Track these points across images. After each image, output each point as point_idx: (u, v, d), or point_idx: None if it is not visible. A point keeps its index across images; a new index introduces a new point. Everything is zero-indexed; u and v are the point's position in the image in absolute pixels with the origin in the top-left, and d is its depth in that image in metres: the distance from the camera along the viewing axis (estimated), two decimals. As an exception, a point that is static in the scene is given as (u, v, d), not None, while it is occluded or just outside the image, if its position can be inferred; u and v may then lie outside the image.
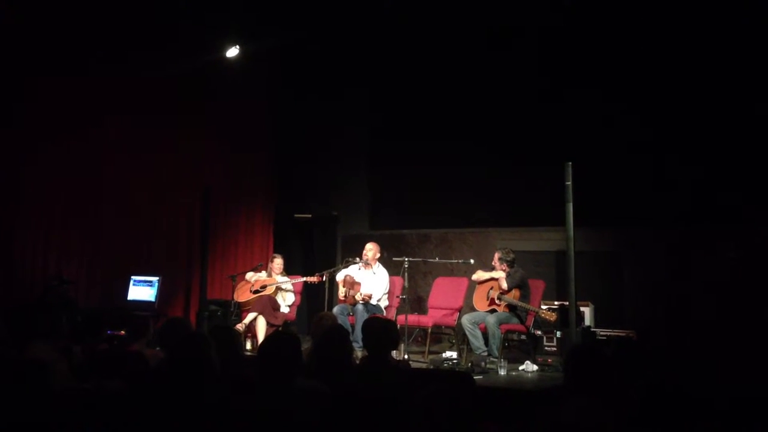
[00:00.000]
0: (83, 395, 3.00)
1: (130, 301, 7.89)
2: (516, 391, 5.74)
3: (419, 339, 8.05)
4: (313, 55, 9.46)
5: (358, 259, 7.87)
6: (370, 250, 7.86)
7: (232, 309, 8.03)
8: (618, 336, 7.05)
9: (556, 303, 7.48)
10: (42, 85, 7.31)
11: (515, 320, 7.13)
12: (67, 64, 7.44)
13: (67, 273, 7.38)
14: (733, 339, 6.56)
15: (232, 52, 8.58)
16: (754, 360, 6.02)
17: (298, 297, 8.32)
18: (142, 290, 7.94)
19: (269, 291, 7.97)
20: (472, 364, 6.50)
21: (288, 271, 8.40)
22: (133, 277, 8.00)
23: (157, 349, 6.19)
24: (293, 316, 8.20)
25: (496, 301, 7.17)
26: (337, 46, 9.26)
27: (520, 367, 6.67)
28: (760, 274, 6.94)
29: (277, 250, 9.31)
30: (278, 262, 8.25)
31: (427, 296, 8.25)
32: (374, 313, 7.16)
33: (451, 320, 7.70)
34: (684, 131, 7.51)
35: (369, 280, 7.74)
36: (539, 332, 7.17)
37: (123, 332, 7.13)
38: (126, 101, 8.06)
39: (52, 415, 2.78)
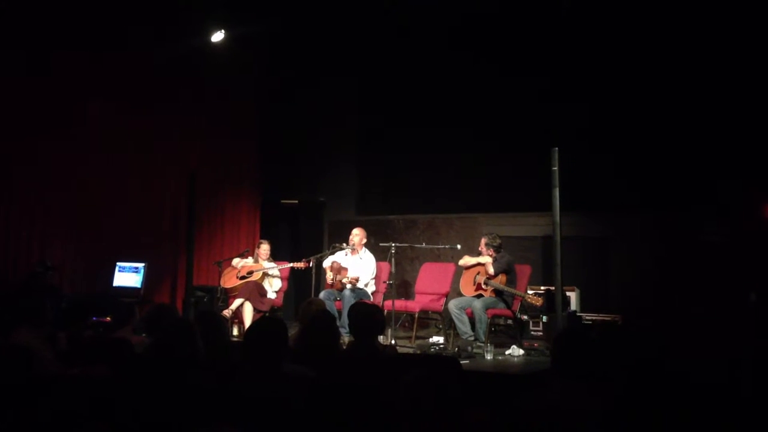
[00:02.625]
0: (68, 381, 2.98)
1: (116, 287, 7.83)
2: (502, 376, 5.78)
3: (406, 324, 8.08)
4: (302, 41, 9.39)
5: (345, 245, 7.87)
6: (357, 235, 7.88)
7: (218, 295, 8.01)
8: (603, 320, 7.10)
9: (542, 288, 7.50)
10: (25, 69, 7.20)
11: (502, 305, 7.17)
12: (49, 47, 7.33)
13: (52, 259, 7.31)
14: (719, 324, 6.60)
15: (218, 37, 8.51)
16: (738, 345, 6.07)
17: (285, 283, 8.31)
18: (127, 276, 7.89)
19: (256, 277, 7.96)
20: (458, 349, 6.52)
21: (275, 257, 8.39)
22: (118, 263, 7.94)
23: (143, 335, 6.18)
24: (280, 302, 8.20)
25: (483, 286, 7.20)
26: (325, 32, 9.20)
27: (507, 352, 6.69)
28: (745, 258, 6.99)
29: (264, 236, 9.28)
30: (265, 248, 8.23)
31: (414, 281, 8.26)
32: (361, 298, 7.17)
33: (438, 305, 7.72)
34: (670, 117, 7.52)
35: (356, 265, 7.75)
36: (525, 317, 7.19)
37: (108, 319, 7.11)
38: (110, 86, 7.95)
39: (36, 401, 2.76)
